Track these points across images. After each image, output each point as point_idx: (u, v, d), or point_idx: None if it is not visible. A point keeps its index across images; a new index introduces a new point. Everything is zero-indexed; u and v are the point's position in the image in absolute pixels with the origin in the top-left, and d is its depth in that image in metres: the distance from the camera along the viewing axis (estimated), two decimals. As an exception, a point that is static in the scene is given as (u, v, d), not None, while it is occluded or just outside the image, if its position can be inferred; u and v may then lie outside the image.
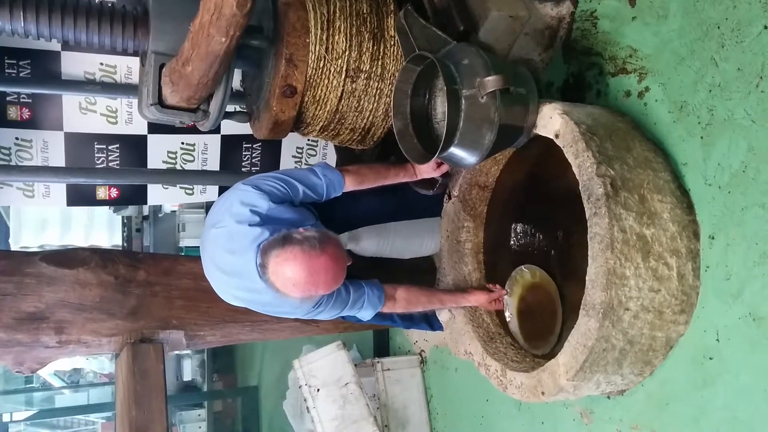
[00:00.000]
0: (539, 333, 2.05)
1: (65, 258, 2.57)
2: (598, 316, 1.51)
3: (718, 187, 1.58)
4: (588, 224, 1.56)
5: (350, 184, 2.04)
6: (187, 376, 7.29)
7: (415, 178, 2.19)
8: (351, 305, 1.99)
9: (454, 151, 1.76)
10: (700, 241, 1.62)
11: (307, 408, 2.76)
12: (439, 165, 2.15)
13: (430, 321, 2.48)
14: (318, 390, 2.75)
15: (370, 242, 2.39)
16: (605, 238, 1.50)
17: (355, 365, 2.87)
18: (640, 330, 1.57)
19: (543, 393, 1.71)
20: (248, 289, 1.89)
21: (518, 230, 2.24)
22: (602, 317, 1.51)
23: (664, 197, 1.60)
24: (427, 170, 2.15)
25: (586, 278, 1.56)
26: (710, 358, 1.59)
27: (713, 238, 1.59)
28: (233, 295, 1.97)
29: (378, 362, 3.06)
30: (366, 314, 2.06)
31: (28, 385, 9.38)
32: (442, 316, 2.28)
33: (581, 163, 1.58)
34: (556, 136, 1.68)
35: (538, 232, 2.15)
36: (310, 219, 1.95)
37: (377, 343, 3.42)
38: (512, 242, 2.25)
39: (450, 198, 2.29)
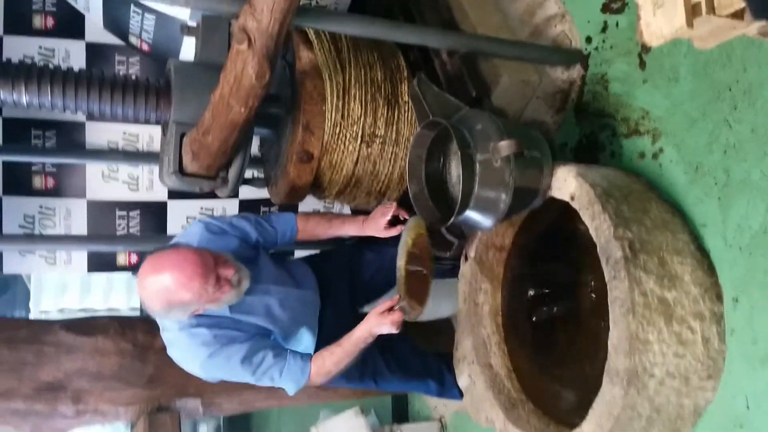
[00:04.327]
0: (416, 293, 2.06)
1: (84, 326, 2.58)
2: (623, 383, 1.46)
3: (738, 248, 1.56)
4: (608, 288, 1.53)
5: (300, 222, 2.18)
6: (203, 441, 7.14)
7: (363, 233, 2.20)
8: (261, 360, 1.95)
9: (470, 214, 1.77)
10: (723, 303, 1.58)
11: (325, 477, 2.69)
12: (391, 223, 2.15)
13: (442, 382, 2.42)
14: (336, 458, 2.68)
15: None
16: (626, 302, 1.48)
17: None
18: (667, 397, 1.52)
19: (569, 463, 1.65)
20: (185, 354, 1.99)
21: (536, 290, 2.21)
22: (627, 384, 1.46)
23: (684, 259, 1.58)
24: (374, 227, 2.16)
25: (609, 343, 1.52)
26: (741, 426, 1.53)
27: (737, 300, 1.56)
28: (199, 371, 1.99)
29: (397, 429, 2.98)
30: (287, 380, 1.99)
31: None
32: (462, 382, 2.22)
33: (598, 225, 1.57)
34: (572, 198, 1.67)
35: (557, 291, 2.12)
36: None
37: (396, 409, 3.33)
38: (531, 303, 2.22)
39: (467, 259, 2.28)
